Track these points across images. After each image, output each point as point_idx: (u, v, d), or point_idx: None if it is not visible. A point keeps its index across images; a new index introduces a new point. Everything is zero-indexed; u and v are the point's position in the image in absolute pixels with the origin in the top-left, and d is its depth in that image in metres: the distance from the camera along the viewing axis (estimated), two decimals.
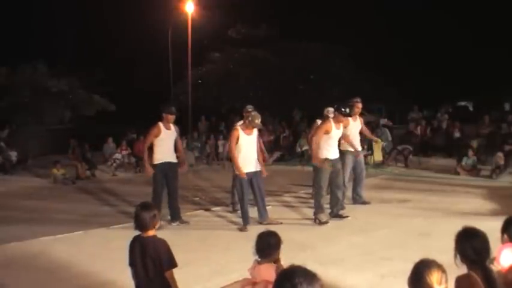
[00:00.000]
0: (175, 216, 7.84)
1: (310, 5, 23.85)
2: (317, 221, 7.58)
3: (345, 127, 8.25)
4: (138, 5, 24.10)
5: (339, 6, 23.11)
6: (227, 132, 18.18)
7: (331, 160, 7.66)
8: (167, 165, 7.78)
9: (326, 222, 7.53)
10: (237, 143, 7.43)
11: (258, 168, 7.57)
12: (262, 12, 23.29)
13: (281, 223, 7.42)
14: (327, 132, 7.65)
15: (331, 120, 7.77)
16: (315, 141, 7.72)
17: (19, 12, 26.10)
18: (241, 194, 7.49)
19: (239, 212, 7.81)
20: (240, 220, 7.63)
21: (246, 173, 7.40)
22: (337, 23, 22.39)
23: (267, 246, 3.48)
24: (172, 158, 7.88)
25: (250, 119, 7.45)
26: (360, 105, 8.74)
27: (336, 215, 7.88)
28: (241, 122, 7.96)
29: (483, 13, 22.52)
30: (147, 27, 23.21)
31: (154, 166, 7.80)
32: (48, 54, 20.00)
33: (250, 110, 8.01)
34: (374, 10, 23.86)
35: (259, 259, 3.49)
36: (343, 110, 7.68)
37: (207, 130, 19.55)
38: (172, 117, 7.86)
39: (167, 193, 7.90)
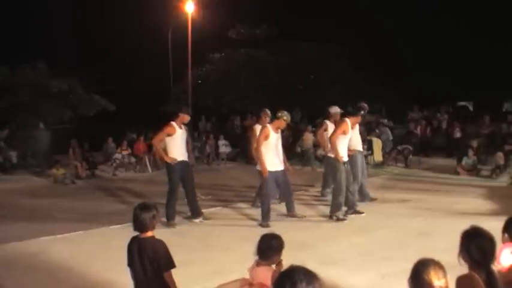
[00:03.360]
0: (197, 213, 7.94)
1: (309, 5, 23.86)
2: (334, 217, 7.77)
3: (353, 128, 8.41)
4: (138, 5, 24.10)
5: (338, 6, 23.12)
6: (216, 132, 18.04)
7: (345, 162, 7.85)
8: (183, 164, 7.85)
9: (344, 219, 7.76)
10: (265, 140, 7.54)
11: (283, 167, 7.78)
12: (261, 12, 23.31)
13: (305, 216, 7.91)
14: (345, 133, 7.80)
15: (348, 121, 7.90)
16: (333, 141, 7.79)
17: (19, 12, 26.11)
18: (266, 192, 7.63)
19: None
20: (238, 219, 7.64)
21: (274, 171, 7.57)
22: (337, 23, 22.40)
23: (268, 247, 3.47)
24: (185, 157, 7.95)
25: (280, 114, 7.64)
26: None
27: (354, 212, 8.08)
28: (258, 125, 8.47)
29: (483, 13, 22.52)
30: (147, 27, 23.19)
31: (171, 166, 7.79)
32: (48, 54, 19.97)
33: (267, 111, 8.68)
34: (374, 10, 23.86)
35: (259, 260, 3.49)
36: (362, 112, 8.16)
37: (207, 130, 19.53)
38: (188, 118, 8.04)
39: (185, 192, 7.96)
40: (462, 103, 23.97)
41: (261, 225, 7.48)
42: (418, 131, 16.35)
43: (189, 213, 8.05)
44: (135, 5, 24.26)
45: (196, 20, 21.01)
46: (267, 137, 7.55)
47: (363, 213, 8.09)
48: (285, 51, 21.99)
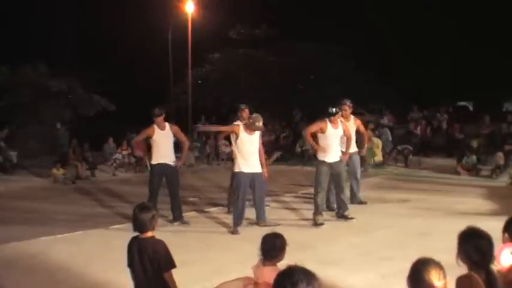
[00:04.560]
0: (176, 217, 7.85)
1: (309, 5, 23.86)
2: (313, 221, 7.59)
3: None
4: (138, 5, 24.10)
5: (338, 6, 23.12)
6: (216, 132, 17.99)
7: (329, 163, 7.59)
8: (164, 166, 7.76)
9: (321, 224, 7.53)
10: (236, 139, 7.35)
11: (259, 170, 7.45)
12: (261, 12, 23.30)
13: (278, 225, 7.27)
14: (322, 131, 7.56)
15: (327, 119, 7.63)
16: (304, 134, 7.81)
17: (19, 12, 26.11)
18: (238, 194, 7.31)
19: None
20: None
21: (247, 173, 7.31)
22: (337, 23, 22.41)
23: (272, 248, 3.46)
24: (169, 160, 7.83)
25: (251, 121, 7.32)
26: (346, 106, 8.53)
27: (341, 215, 7.90)
28: (237, 122, 7.84)
29: (484, 14, 22.52)
30: (147, 27, 23.19)
31: (151, 167, 7.81)
32: (48, 54, 20.00)
33: (243, 107, 7.96)
34: (374, 10, 23.86)
35: (264, 260, 3.48)
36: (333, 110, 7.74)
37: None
38: (159, 119, 7.83)
39: (169, 195, 7.91)
40: (462, 103, 23.98)
41: (232, 232, 7.23)
42: (418, 131, 16.35)
43: (170, 217, 7.91)
44: (135, 4, 24.28)
45: (196, 20, 21.01)
46: (236, 137, 7.30)
47: (353, 218, 7.81)
48: (285, 51, 21.98)
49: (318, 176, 7.63)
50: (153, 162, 7.80)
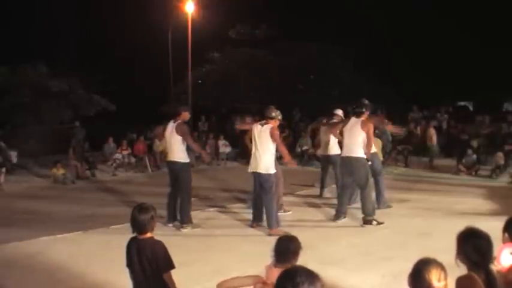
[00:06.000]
0: (175, 217, 7.80)
1: (310, 5, 23.86)
2: (374, 222, 7.43)
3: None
4: (138, 5, 24.08)
5: (338, 6, 23.11)
6: (216, 132, 17.93)
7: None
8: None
9: (382, 223, 7.47)
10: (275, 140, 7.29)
11: None
12: (262, 12, 23.31)
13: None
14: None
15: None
16: (371, 136, 7.57)
17: (20, 12, 26.11)
18: (275, 192, 7.22)
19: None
20: (238, 220, 7.59)
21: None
22: (337, 23, 22.40)
23: (285, 251, 3.45)
24: None
25: (274, 114, 7.23)
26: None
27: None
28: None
29: (484, 14, 22.52)
30: (147, 27, 23.19)
31: (187, 165, 7.73)
32: (48, 54, 19.99)
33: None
34: (374, 10, 23.84)
35: (276, 262, 3.47)
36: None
37: (207, 130, 19.55)
38: (189, 116, 8.02)
39: (176, 194, 7.81)
40: (462, 103, 23.96)
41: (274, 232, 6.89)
42: (418, 131, 16.34)
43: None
44: (135, 5, 24.25)
45: (196, 20, 21.00)
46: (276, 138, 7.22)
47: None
48: (286, 51, 21.99)
49: (368, 173, 7.68)
50: (188, 160, 7.75)
